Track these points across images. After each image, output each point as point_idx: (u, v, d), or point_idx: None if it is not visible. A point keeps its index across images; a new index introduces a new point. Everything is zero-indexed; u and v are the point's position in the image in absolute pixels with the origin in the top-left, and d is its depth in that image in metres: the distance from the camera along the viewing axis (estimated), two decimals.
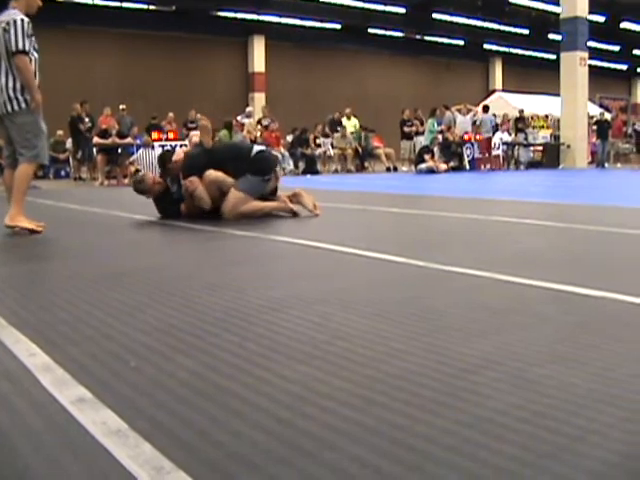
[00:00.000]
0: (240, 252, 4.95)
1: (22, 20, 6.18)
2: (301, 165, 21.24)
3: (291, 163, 20.87)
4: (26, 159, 6.33)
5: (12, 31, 6.12)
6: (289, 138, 22.49)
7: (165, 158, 7.20)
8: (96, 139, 17.58)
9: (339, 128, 22.24)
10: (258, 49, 33.15)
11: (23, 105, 6.26)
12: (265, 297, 3.14)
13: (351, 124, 22.77)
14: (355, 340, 2.41)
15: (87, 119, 18.81)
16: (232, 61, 32.93)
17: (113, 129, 18.05)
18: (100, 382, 2.02)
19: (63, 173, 22.47)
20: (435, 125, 21.60)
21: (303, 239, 5.21)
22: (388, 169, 21.75)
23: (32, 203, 9.85)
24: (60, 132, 22.03)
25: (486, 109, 22.26)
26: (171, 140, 19.66)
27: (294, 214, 6.92)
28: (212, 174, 6.75)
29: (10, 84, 6.23)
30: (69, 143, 20.70)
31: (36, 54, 6.38)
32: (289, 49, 32.93)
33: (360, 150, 22.32)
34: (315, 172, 20.52)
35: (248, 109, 23.06)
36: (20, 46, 6.12)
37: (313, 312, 2.84)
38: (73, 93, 22.53)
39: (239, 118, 21.33)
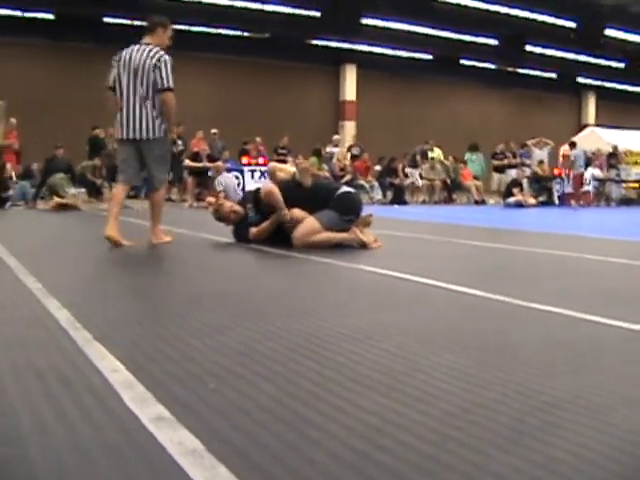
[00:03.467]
0: (319, 279, 4.97)
1: (171, 60, 6.94)
2: (389, 194, 21.23)
3: (379, 192, 20.88)
4: (160, 183, 7.30)
5: (163, 68, 6.89)
6: (378, 167, 22.52)
7: (258, 198, 7.21)
8: (187, 161, 17.88)
9: (428, 159, 22.19)
10: (350, 77, 33.33)
11: (162, 134, 7.02)
12: (345, 325, 3.14)
13: (435, 155, 22.73)
14: (433, 373, 2.39)
15: (180, 142, 19.16)
16: (323, 89, 33.19)
17: (204, 152, 18.33)
18: (179, 402, 2.05)
19: None
20: (473, 157, 22.03)
21: (382, 268, 5.19)
22: (476, 202, 21.58)
23: (125, 222, 10.08)
24: None
25: (573, 145, 21.93)
26: (261, 165, 19.87)
27: (364, 245, 6.87)
28: (298, 213, 6.83)
29: (152, 113, 6.95)
30: None
31: None
32: (380, 78, 32.99)
33: (449, 182, 22.22)
34: (403, 202, 20.48)
35: (335, 137, 23.18)
36: (170, 84, 6.92)
37: (392, 343, 2.83)
38: None
39: (328, 149, 21.45)
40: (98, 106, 26.93)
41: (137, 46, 7.06)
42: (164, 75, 6.89)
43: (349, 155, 21.57)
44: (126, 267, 5.59)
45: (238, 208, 7.30)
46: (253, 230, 7.09)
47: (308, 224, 6.72)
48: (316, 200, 6.86)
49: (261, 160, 20.63)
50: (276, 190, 6.89)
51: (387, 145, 26.84)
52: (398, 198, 20.64)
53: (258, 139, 22.12)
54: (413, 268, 5.21)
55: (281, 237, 6.84)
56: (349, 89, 33.33)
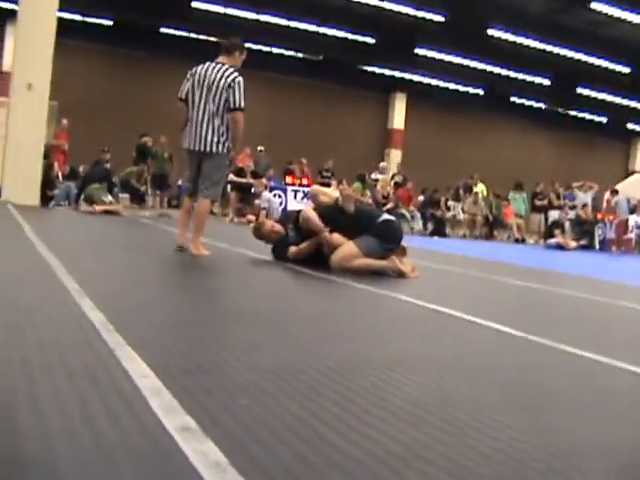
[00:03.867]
0: (355, 304, 4.96)
1: (243, 81, 7.30)
2: (429, 226, 21.21)
3: (420, 223, 20.87)
4: (208, 196, 7.50)
5: (237, 89, 7.27)
6: (421, 198, 22.51)
7: (299, 220, 7.22)
8: (231, 176, 17.95)
9: (472, 193, 22.13)
10: (399, 106, 33.48)
11: (224, 151, 7.37)
12: (380, 353, 3.13)
13: (479, 190, 22.68)
14: (464, 407, 2.36)
15: None
16: (372, 115, 33.34)
17: (249, 168, 18.43)
18: (206, 413, 2.05)
19: (196, 205, 23.10)
20: (516, 196, 22.11)
21: (420, 299, 5.17)
22: (517, 240, 21.47)
23: (163, 231, 10.14)
24: None
25: (615, 192, 21.73)
26: (304, 186, 19.93)
27: (401, 274, 6.83)
28: (338, 238, 6.82)
29: (219, 130, 7.30)
30: None
31: None
32: (429, 109, 33.08)
33: (490, 218, 22.14)
34: (443, 234, 20.45)
35: (382, 164, 23.23)
36: (242, 104, 7.30)
37: (426, 374, 2.81)
38: None
39: (372, 176, 21.48)
40: (148, 114, 27.33)
41: (213, 64, 7.43)
42: (237, 95, 7.25)
43: (392, 183, 21.58)
44: (164, 277, 5.62)
45: (279, 228, 7.32)
46: (292, 249, 7.10)
47: (347, 248, 6.71)
48: (357, 226, 6.84)
49: (305, 181, 20.71)
50: (314, 216, 6.92)
51: (430, 176, 26.90)
52: (438, 230, 20.62)
53: (303, 160, 22.22)
54: (451, 302, 5.18)
55: (319, 259, 6.84)
56: (397, 117, 33.47)
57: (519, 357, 3.43)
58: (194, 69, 7.46)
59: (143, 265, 6.22)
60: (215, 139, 7.29)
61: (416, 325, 4.23)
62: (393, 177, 22.32)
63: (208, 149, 7.32)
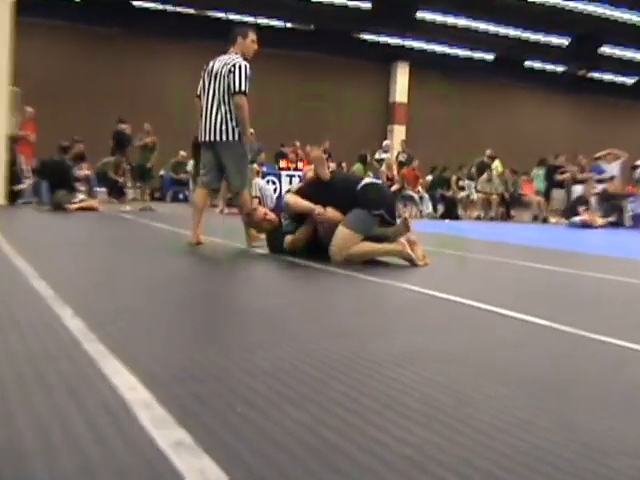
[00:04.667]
0: (362, 297, 4.97)
1: (246, 66, 7.91)
2: (440, 208, 21.16)
3: (429, 206, 20.81)
4: (239, 187, 8.08)
5: (237, 73, 7.84)
6: (429, 178, 22.44)
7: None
8: None
9: (486, 171, 21.99)
10: (401, 77, 33.29)
11: (236, 138, 7.92)
12: (385, 349, 3.15)
13: (494, 166, 22.57)
14: (480, 406, 2.39)
15: None
16: (372, 89, 33.18)
17: None
18: (201, 425, 2.07)
19: (181, 196, 23.10)
20: (540, 173, 22.12)
21: (431, 289, 5.20)
22: (535, 217, 21.46)
23: (146, 226, 10.15)
24: (183, 153, 22.72)
25: (636, 168, 21.72)
26: (300, 170, 19.88)
27: (411, 261, 6.85)
28: (331, 212, 6.85)
29: (227, 117, 7.90)
30: (190, 165, 21.24)
31: None
32: (435, 79, 32.84)
33: (507, 196, 22.10)
34: (455, 217, 20.42)
35: (386, 142, 23.14)
36: (242, 88, 7.84)
37: (438, 371, 2.83)
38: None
39: (377, 155, 21.41)
40: (126, 97, 27.17)
41: (223, 55, 8.15)
42: (237, 79, 7.83)
43: (397, 162, 21.48)
44: (149, 277, 5.62)
45: (272, 216, 7.36)
46: (288, 239, 7.12)
47: (339, 235, 6.73)
48: (342, 197, 6.89)
49: (301, 165, 20.65)
50: (297, 200, 7.07)
51: (439, 153, 26.84)
52: (450, 212, 20.59)
53: (297, 143, 22.16)
54: (465, 290, 5.21)
55: (319, 249, 6.86)
56: (400, 90, 33.30)
57: (545, 350, 3.44)
58: (207, 63, 8.17)
59: (125, 265, 6.22)
60: (224, 127, 7.89)
61: (426, 317, 4.24)
62: (397, 156, 22.25)
63: (219, 138, 7.91)
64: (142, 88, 27.69)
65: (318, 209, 6.85)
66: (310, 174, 7.54)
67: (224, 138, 7.91)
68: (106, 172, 18.34)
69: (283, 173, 20.17)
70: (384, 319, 4.10)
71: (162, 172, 24.09)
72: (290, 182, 19.65)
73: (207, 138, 8.00)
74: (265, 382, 2.54)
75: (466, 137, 32.19)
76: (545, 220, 21.53)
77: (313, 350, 3.07)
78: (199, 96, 8.19)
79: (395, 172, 20.47)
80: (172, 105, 22.44)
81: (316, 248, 6.97)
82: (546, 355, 3.29)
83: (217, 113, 7.92)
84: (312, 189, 7.11)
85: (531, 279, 6.75)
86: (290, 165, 20.76)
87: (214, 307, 4.28)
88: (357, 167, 19.50)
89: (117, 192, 18.49)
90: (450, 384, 2.65)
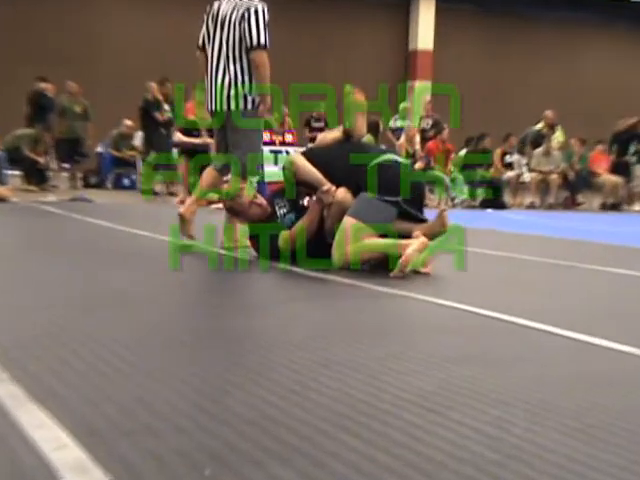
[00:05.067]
0: (375, 316, 4.98)
1: (264, 11, 7.73)
2: (479, 194, 21.00)
3: (465, 190, 20.63)
4: (247, 172, 7.84)
5: (253, 21, 7.66)
6: (462, 152, 22.29)
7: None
8: (178, 135, 17.58)
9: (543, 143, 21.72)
10: (425, 16, 33.03)
11: (251, 105, 7.84)
12: (408, 387, 3.16)
13: (556, 135, 22.38)
14: (536, 463, 2.39)
15: (167, 106, 18.90)
16: (385, 33, 32.97)
17: (204, 122, 18.26)
18: None
19: (127, 182, 22.47)
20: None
21: (468, 304, 5.22)
22: (613, 206, 21.40)
23: (80, 222, 10.15)
24: (128, 122, 22.18)
25: None
26: (288, 145, 19.81)
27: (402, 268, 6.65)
28: (341, 193, 6.79)
29: (239, 78, 7.78)
30: (139, 139, 21.03)
31: None
32: (469, 16, 32.66)
33: (571, 175, 21.96)
34: (500, 206, 20.27)
35: (402, 105, 22.94)
36: (262, 40, 7.68)
37: (480, 416, 2.83)
38: (150, 68, 22.98)
39: (391, 123, 21.26)
40: (46, 51, 27.23)
41: None
42: (254, 29, 7.64)
43: (419, 131, 21.27)
44: (87, 288, 5.59)
45: (262, 201, 7.26)
46: (284, 234, 6.99)
47: (341, 227, 6.62)
48: (350, 171, 6.85)
49: (289, 137, 20.58)
50: (304, 162, 6.99)
51: (477, 119, 26.60)
52: (493, 199, 20.45)
53: (285, 109, 22.04)
54: (517, 305, 5.25)
55: (321, 247, 6.78)
56: (423, 33, 33.00)
57: (626, 386, 3.43)
58: (209, 6, 7.99)
59: (52, 272, 6.19)
60: (233, 92, 7.76)
61: (461, 342, 4.23)
62: (420, 123, 22.07)
63: (225, 106, 7.81)
64: (69, 32, 27.65)
65: (327, 186, 6.78)
66: (332, 135, 7.34)
67: (232, 106, 7.80)
68: (19, 148, 18.24)
69: (266, 149, 20.13)
70: (400, 346, 4.07)
71: (99, 149, 23.90)
72: (276, 161, 19.62)
73: (213, 107, 7.93)
74: (244, 433, 2.53)
75: (513, 96, 32.08)
76: (616, 206, 21.35)
77: (309, 389, 3.07)
78: (202, 48, 8.04)
79: (417, 145, 20.35)
80: (111, 55, 22.36)
81: (318, 248, 6.86)
82: (630, 393, 3.29)
83: (225, 74, 7.79)
84: (325, 155, 7.10)
85: (605, 289, 6.74)
86: (275, 138, 20.71)
87: (177, 329, 4.21)
88: (366, 139, 19.50)
89: (37, 176, 18.39)
90: (499, 434, 2.64)
